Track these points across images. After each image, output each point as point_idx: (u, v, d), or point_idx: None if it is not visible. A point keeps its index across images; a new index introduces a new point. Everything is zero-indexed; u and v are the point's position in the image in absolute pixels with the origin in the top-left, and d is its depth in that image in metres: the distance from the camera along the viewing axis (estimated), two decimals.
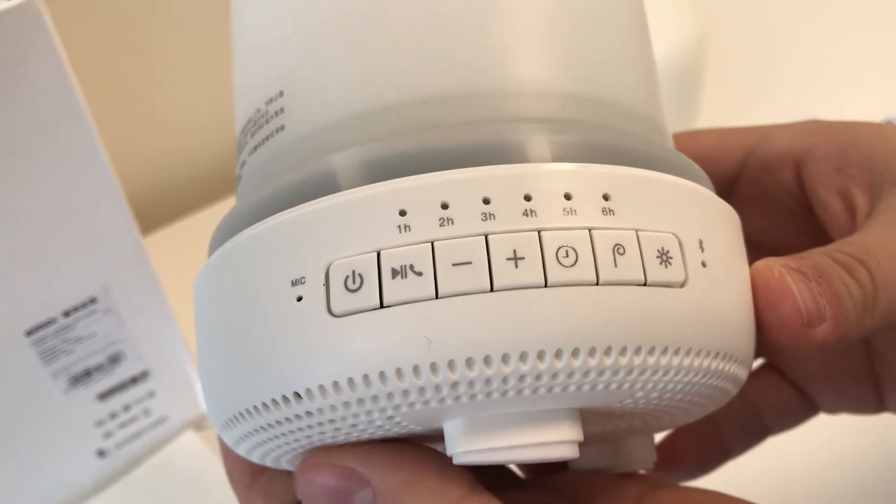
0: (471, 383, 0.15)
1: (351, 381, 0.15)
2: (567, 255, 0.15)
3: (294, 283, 0.15)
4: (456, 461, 0.16)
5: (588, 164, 0.15)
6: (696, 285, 0.15)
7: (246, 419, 0.17)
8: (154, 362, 0.38)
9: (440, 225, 0.15)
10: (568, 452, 0.16)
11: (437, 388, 0.15)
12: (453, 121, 0.16)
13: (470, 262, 0.14)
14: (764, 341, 0.18)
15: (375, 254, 0.15)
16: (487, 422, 0.16)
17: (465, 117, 0.16)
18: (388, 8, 0.17)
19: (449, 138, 0.16)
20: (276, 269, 0.16)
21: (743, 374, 0.18)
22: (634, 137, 0.17)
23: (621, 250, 0.15)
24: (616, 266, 0.15)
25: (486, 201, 0.15)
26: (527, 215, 0.15)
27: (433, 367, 0.14)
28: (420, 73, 0.17)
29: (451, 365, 0.14)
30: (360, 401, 0.15)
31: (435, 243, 0.15)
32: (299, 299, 0.15)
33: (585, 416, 0.17)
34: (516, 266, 0.14)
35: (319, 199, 0.16)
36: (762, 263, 0.18)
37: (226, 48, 0.53)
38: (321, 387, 0.15)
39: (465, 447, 0.16)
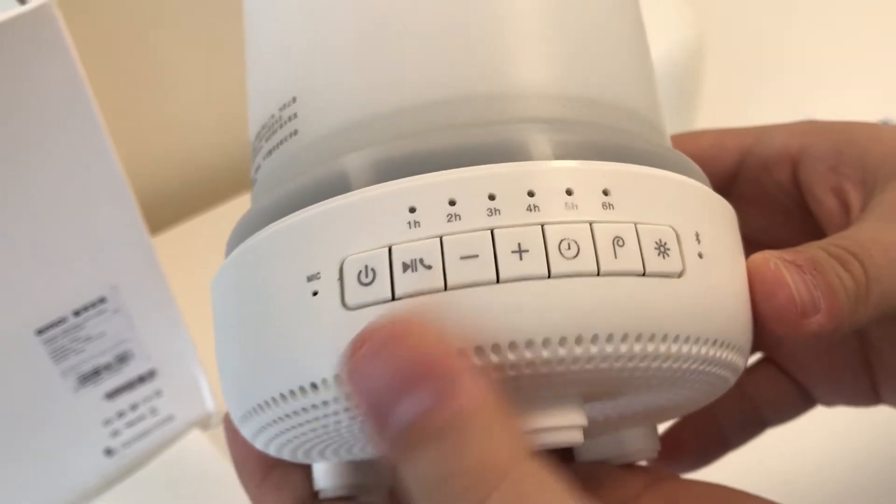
0: (480, 371, 0.15)
1: None
2: (569, 248, 0.15)
3: (310, 279, 0.16)
4: None
5: (588, 161, 0.16)
6: (694, 275, 0.16)
7: (264, 410, 0.17)
8: (161, 362, 0.39)
9: (448, 220, 0.15)
10: (573, 437, 0.16)
11: None
12: (459, 122, 0.17)
13: (477, 256, 0.15)
14: (760, 332, 0.19)
15: (387, 249, 0.16)
16: None
17: (470, 119, 0.17)
18: (396, 17, 0.18)
19: (455, 139, 0.16)
20: (292, 265, 0.16)
21: (740, 362, 0.18)
22: (633, 136, 0.18)
23: (621, 242, 0.16)
24: (616, 257, 0.15)
25: (492, 197, 0.16)
26: (530, 210, 0.15)
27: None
28: (427, 78, 0.17)
29: (460, 354, 0.15)
30: None
31: (443, 238, 0.15)
32: (315, 294, 0.16)
33: (589, 404, 0.18)
34: (521, 258, 0.15)
35: (332, 199, 0.16)
36: (758, 256, 0.19)
37: (233, 51, 0.54)
38: (337, 376, 0.16)
39: None
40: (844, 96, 0.54)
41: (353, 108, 0.18)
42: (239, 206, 0.53)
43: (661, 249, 0.16)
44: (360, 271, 0.16)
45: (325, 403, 0.16)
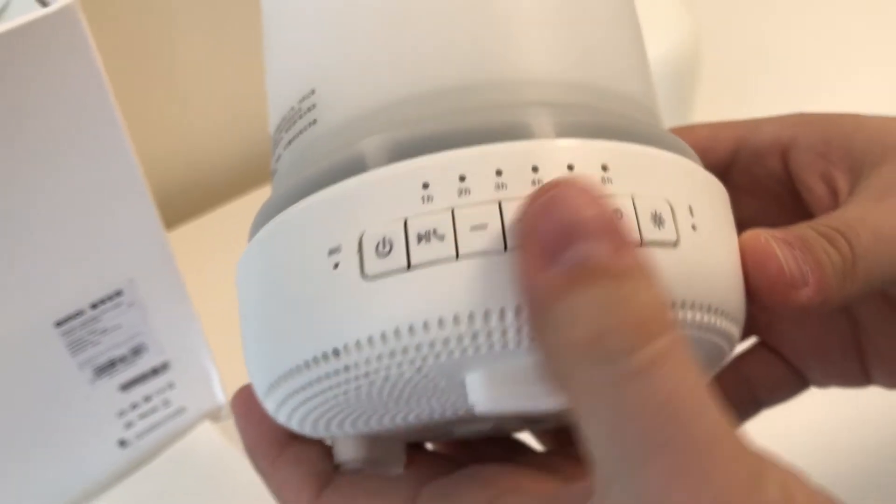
0: (489, 333, 0.16)
1: (383, 335, 0.17)
2: None
3: (331, 253, 0.17)
4: (477, 410, 0.18)
5: (588, 139, 0.17)
6: (688, 245, 0.17)
7: (289, 379, 0.18)
8: (174, 354, 0.40)
9: (459, 195, 0.17)
10: None
11: (460, 338, 0.17)
12: (467, 107, 0.18)
13: (486, 226, 0.16)
14: (753, 305, 0.20)
15: (403, 222, 0.17)
16: (503, 373, 0.17)
17: (477, 104, 0.18)
18: (407, 13, 0.19)
19: (464, 121, 0.18)
20: (313, 241, 0.18)
21: (734, 331, 0.19)
22: (630, 119, 0.19)
23: (619, 214, 0.17)
24: None
25: (499, 173, 0.17)
26: (535, 184, 0.17)
27: (456, 319, 0.16)
28: (437, 67, 0.19)
29: (471, 317, 0.16)
30: (392, 353, 0.17)
31: (455, 210, 0.17)
32: (335, 266, 0.17)
33: None
34: None
35: (350, 178, 0.18)
36: (749, 232, 0.20)
37: (245, 54, 0.56)
38: (357, 342, 0.17)
39: (484, 396, 0.17)
40: (839, 95, 0.55)
41: (369, 96, 0.19)
42: (250, 203, 0.54)
43: (657, 220, 0.17)
44: (378, 243, 0.17)
45: (346, 369, 0.17)
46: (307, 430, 0.21)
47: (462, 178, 0.17)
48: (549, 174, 0.17)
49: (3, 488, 0.38)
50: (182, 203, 0.55)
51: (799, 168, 0.26)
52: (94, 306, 0.36)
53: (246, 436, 0.23)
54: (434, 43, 0.19)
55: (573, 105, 0.18)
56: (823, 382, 0.29)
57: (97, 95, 0.31)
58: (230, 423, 0.44)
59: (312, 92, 0.20)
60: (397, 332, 0.17)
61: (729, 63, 0.58)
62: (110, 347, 0.37)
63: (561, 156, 0.17)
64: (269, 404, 0.20)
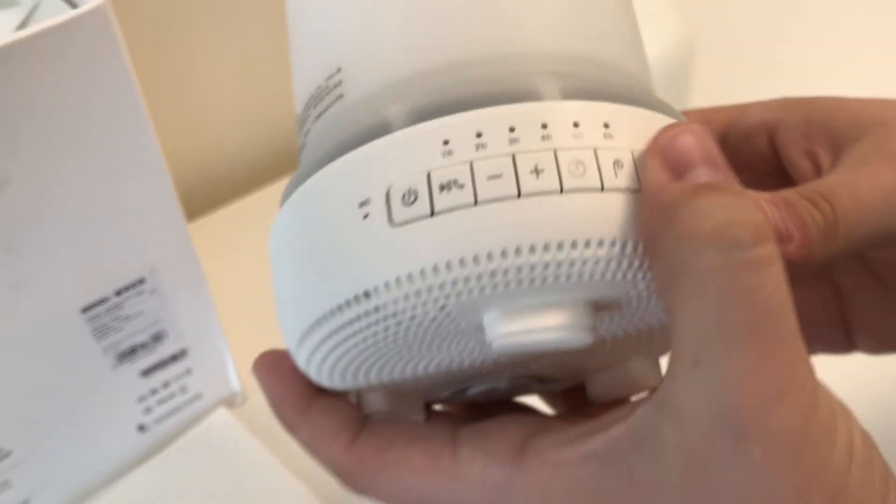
0: (505, 271, 0.18)
1: (410, 275, 0.19)
2: (577, 168, 0.18)
3: (361, 205, 0.19)
4: (494, 346, 0.20)
5: (590, 101, 0.19)
6: None
7: (322, 325, 0.20)
8: (192, 342, 0.41)
9: (476, 149, 0.19)
10: (582, 335, 0.20)
11: (479, 277, 0.19)
12: (482, 76, 0.20)
13: (501, 175, 0.18)
14: None
15: (426, 174, 0.19)
16: (518, 310, 0.19)
17: (491, 74, 0.20)
18: None
19: (479, 88, 0.20)
20: (345, 195, 0.20)
21: None
22: (625, 86, 0.21)
23: (620, 165, 0.19)
24: (616, 176, 0.19)
25: (512, 129, 0.19)
26: (544, 139, 0.19)
27: (475, 259, 0.18)
28: (452, 43, 0.21)
29: (489, 256, 0.18)
30: (417, 292, 0.19)
31: (473, 163, 0.19)
32: (365, 216, 0.19)
33: (600, 319, 0.21)
34: (538, 177, 0.18)
35: (377, 140, 0.20)
36: None
37: (262, 53, 0.58)
38: (386, 283, 0.19)
39: (500, 331, 0.19)
40: (830, 93, 0.58)
41: (391, 70, 0.21)
42: (266, 197, 0.57)
43: None
44: (404, 194, 0.19)
45: (376, 309, 0.19)
46: (336, 380, 0.22)
47: (479, 135, 0.19)
48: (556, 131, 0.19)
49: (27, 472, 0.39)
50: (202, 196, 0.57)
51: (785, 147, 0.28)
52: (118, 293, 0.37)
53: (272, 393, 0.24)
54: (450, 21, 0.21)
55: (576, 74, 0.20)
56: (809, 349, 0.31)
57: (126, 94, 0.33)
58: (245, 410, 0.46)
59: (338, 70, 0.22)
60: (423, 273, 0.19)
61: (722, 63, 0.61)
62: (132, 334, 0.39)
63: (567, 114, 0.19)
64: (301, 354, 0.22)
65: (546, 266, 0.18)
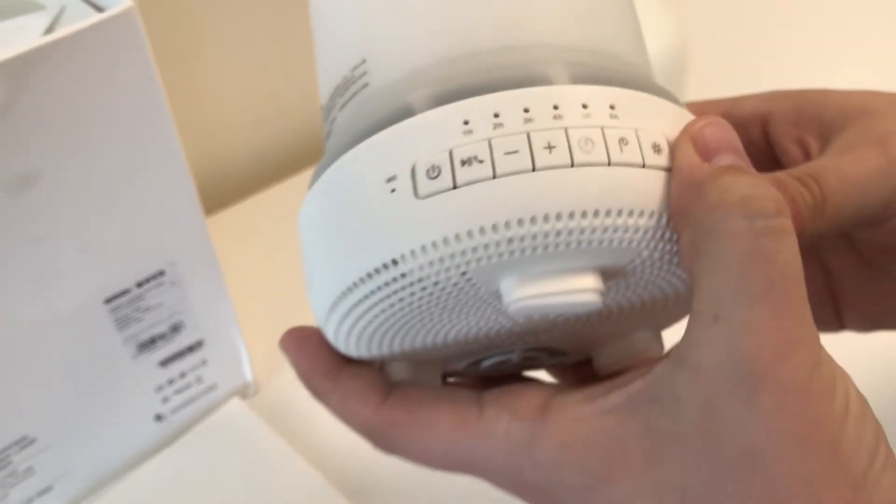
0: (521, 239, 0.20)
1: (434, 243, 0.20)
2: (586, 144, 0.20)
3: (388, 181, 0.21)
4: (511, 310, 0.22)
5: (597, 85, 0.21)
6: None
7: (353, 292, 0.22)
8: (208, 333, 0.43)
9: (494, 128, 0.21)
10: (593, 298, 0.21)
11: (497, 244, 0.20)
12: (497, 64, 0.22)
13: (517, 151, 0.20)
14: None
15: (448, 151, 0.21)
16: (533, 276, 0.21)
17: (506, 62, 0.22)
18: None
19: (497, 74, 0.22)
20: (373, 172, 0.21)
21: None
22: (628, 73, 0.23)
23: (625, 142, 0.21)
24: (622, 152, 0.21)
25: (526, 110, 0.21)
26: (556, 118, 0.21)
27: (494, 227, 0.20)
28: (469, 35, 0.23)
29: (506, 225, 0.20)
30: (441, 259, 0.21)
31: (491, 140, 0.20)
32: (393, 191, 0.21)
33: (607, 287, 0.23)
34: (550, 153, 0.20)
35: (402, 122, 0.21)
36: None
37: (280, 52, 0.59)
38: (412, 251, 0.21)
39: (517, 295, 0.21)
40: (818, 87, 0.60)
41: (413, 60, 0.23)
42: (278, 194, 0.59)
43: (656, 149, 0.21)
44: (428, 169, 0.21)
45: (403, 276, 0.21)
46: (362, 349, 0.24)
47: (496, 115, 0.21)
48: (567, 111, 0.21)
49: (51, 459, 0.41)
50: (219, 192, 0.59)
51: (776, 135, 0.30)
52: (139, 285, 0.39)
53: (301, 365, 0.25)
54: (467, 15, 0.23)
55: (583, 62, 0.22)
56: None
57: (151, 94, 0.35)
58: (257, 400, 0.47)
59: (363, 61, 0.24)
60: (446, 240, 0.20)
61: (714, 63, 0.63)
62: (152, 325, 0.41)
63: (577, 97, 0.21)
64: (331, 324, 0.24)
65: (558, 234, 0.20)
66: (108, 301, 0.39)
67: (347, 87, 0.24)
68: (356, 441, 0.47)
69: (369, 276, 0.21)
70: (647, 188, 0.21)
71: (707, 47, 0.62)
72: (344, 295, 0.22)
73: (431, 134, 0.21)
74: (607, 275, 0.22)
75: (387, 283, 0.21)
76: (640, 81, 0.22)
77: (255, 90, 0.61)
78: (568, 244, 0.21)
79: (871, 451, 0.21)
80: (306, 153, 0.62)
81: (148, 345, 0.41)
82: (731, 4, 0.73)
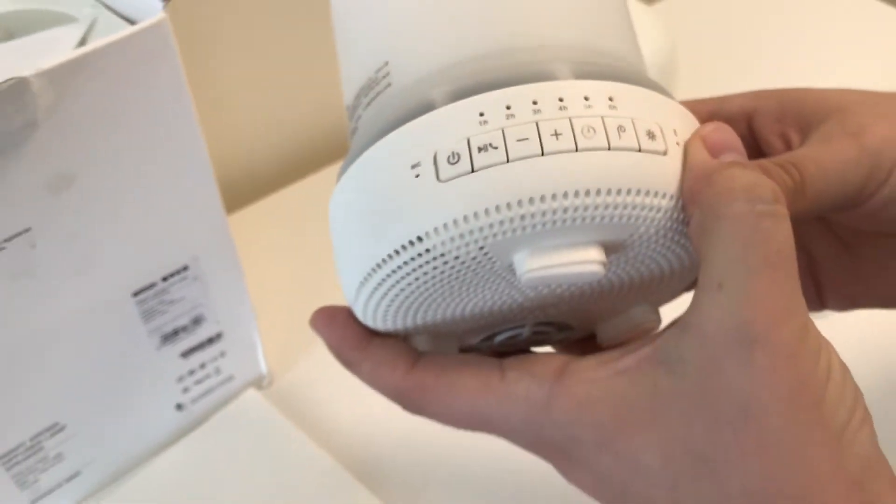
0: (532, 215, 0.23)
1: (455, 220, 0.23)
2: (589, 132, 0.23)
3: (413, 167, 0.24)
4: (523, 281, 0.24)
5: (597, 80, 0.24)
6: (673, 154, 0.24)
7: (381, 268, 0.24)
8: (227, 326, 0.46)
9: (506, 118, 0.23)
10: (596, 269, 0.24)
11: (511, 220, 0.23)
12: (507, 64, 0.25)
13: (528, 138, 0.23)
14: None
15: (466, 140, 0.23)
16: (543, 249, 0.24)
17: (515, 61, 0.25)
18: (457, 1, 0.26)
19: (508, 72, 0.24)
20: (399, 160, 0.24)
21: None
22: (625, 70, 0.26)
23: (623, 129, 0.23)
24: (620, 139, 0.23)
25: (535, 102, 0.23)
26: (561, 109, 0.23)
27: (508, 206, 0.23)
28: (482, 38, 0.26)
29: (519, 203, 0.23)
30: (461, 234, 0.23)
31: (504, 129, 0.23)
32: (417, 176, 0.24)
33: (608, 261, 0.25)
34: (557, 139, 0.23)
35: (424, 115, 0.24)
36: None
37: (296, 58, 0.62)
38: (435, 228, 0.23)
39: (528, 266, 0.24)
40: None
41: (432, 61, 0.26)
42: (295, 194, 0.62)
43: (651, 136, 0.24)
44: (449, 156, 0.23)
45: (427, 251, 0.24)
46: (388, 323, 0.27)
47: (508, 108, 0.23)
48: (571, 103, 0.23)
49: (79, 446, 0.43)
50: (239, 192, 0.62)
51: (761, 130, 0.33)
52: (164, 279, 0.42)
53: (332, 339, 0.28)
54: (480, 22, 0.26)
55: (584, 60, 0.25)
56: None
57: (180, 101, 0.37)
58: (272, 391, 0.49)
59: (386, 63, 0.26)
60: (465, 218, 0.23)
61: (700, 66, 0.67)
62: (175, 317, 0.43)
63: (579, 90, 0.24)
64: (360, 299, 0.26)
65: (565, 210, 0.23)
66: (136, 294, 0.41)
67: (372, 87, 0.27)
68: (365, 427, 0.49)
69: (397, 252, 0.24)
70: (643, 170, 0.23)
71: (694, 52, 0.66)
72: (374, 271, 0.25)
73: (451, 125, 0.24)
74: (609, 248, 0.25)
75: (413, 258, 0.24)
76: (635, 77, 0.25)
77: (272, 97, 0.64)
78: (574, 220, 0.23)
79: (850, 409, 0.24)
80: (321, 156, 0.66)
81: (171, 336, 0.43)
82: (716, 13, 0.77)
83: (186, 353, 0.45)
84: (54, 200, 0.36)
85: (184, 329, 0.44)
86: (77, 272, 0.38)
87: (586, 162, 0.23)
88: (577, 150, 0.23)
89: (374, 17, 0.27)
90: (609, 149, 0.23)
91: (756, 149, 0.33)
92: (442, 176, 0.23)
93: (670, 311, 0.29)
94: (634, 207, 0.24)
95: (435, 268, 0.24)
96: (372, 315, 0.27)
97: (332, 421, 0.48)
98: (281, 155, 0.66)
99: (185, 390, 0.46)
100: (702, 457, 0.23)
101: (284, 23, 0.61)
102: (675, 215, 0.25)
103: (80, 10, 0.38)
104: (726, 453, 0.23)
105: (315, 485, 0.45)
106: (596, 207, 0.23)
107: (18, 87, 0.31)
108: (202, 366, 0.46)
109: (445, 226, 0.23)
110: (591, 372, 0.25)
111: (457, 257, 0.24)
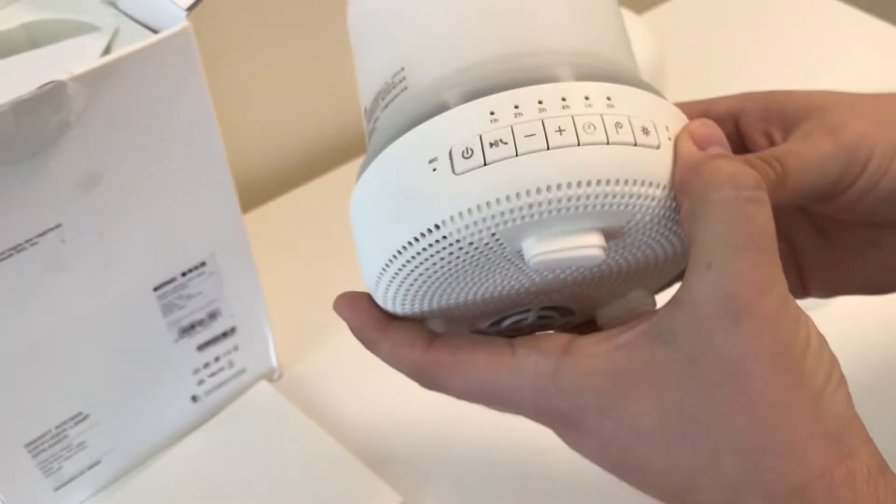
0: (539, 204, 0.25)
1: (469, 209, 0.25)
2: (589, 128, 0.25)
3: (430, 162, 0.26)
4: (531, 264, 0.26)
5: (596, 82, 0.26)
6: (665, 148, 0.27)
7: (401, 255, 0.27)
8: (240, 321, 0.48)
9: (515, 117, 0.26)
10: (597, 253, 0.26)
11: (520, 208, 0.25)
12: (514, 68, 0.27)
13: (534, 134, 0.25)
14: None
15: (479, 136, 0.26)
16: (549, 236, 0.26)
17: (521, 65, 0.27)
18: (468, 9, 0.28)
19: (515, 75, 0.27)
20: (417, 156, 0.26)
21: None
22: (621, 72, 0.28)
23: (620, 126, 0.26)
24: (618, 134, 0.26)
25: (540, 102, 0.26)
26: (564, 108, 0.26)
27: (517, 195, 0.25)
28: (491, 44, 0.28)
29: (527, 193, 0.25)
30: (475, 222, 0.25)
31: (513, 126, 0.25)
32: (434, 170, 0.26)
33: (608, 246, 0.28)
34: (561, 135, 0.25)
35: (439, 115, 0.26)
36: None
37: (316, 61, 0.64)
38: (451, 216, 0.26)
39: (536, 251, 0.26)
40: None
41: (445, 66, 0.28)
42: (306, 194, 0.64)
43: (645, 132, 0.26)
44: (463, 151, 0.26)
45: (444, 238, 0.26)
46: (407, 307, 0.29)
47: (516, 107, 0.26)
48: (573, 102, 0.26)
49: (100, 435, 0.45)
50: (254, 192, 0.64)
51: (747, 129, 0.35)
52: (183, 274, 0.44)
53: (355, 321, 0.30)
54: (489, 30, 0.28)
55: (584, 64, 0.28)
56: None
57: (201, 106, 0.40)
58: (283, 384, 0.52)
59: (402, 69, 0.29)
60: (479, 207, 0.25)
61: (689, 74, 0.69)
62: (193, 311, 0.45)
63: (580, 91, 0.26)
64: (381, 285, 0.28)
65: (569, 199, 0.25)
66: (157, 289, 0.43)
67: (389, 90, 0.29)
68: (372, 417, 0.52)
69: (416, 239, 0.26)
70: (639, 162, 0.26)
71: (681, 58, 0.69)
72: (394, 257, 0.27)
73: (464, 123, 0.26)
74: (608, 235, 0.27)
75: (430, 245, 0.26)
76: (630, 79, 0.28)
77: (286, 100, 0.66)
78: (576, 208, 0.26)
79: (827, 373, 0.26)
80: (331, 158, 0.68)
81: (188, 330, 0.46)
82: (701, 23, 0.80)
83: (202, 347, 0.47)
84: (83, 198, 0.38)
85: (200, 323, 0.46)
86: (103, 266, 0.40)
87: (587, 155, 0.25)
88: (579, 145, 0.25)
89: (390, 27, 0.30)
90: (608, 143, 0.26)
91: (742, 147, 0.35)
92: (457, 169, 0.26)
93: (663, 297, 0.31)
94: (631, 196, 0.26)
95: (451, 254, 0.26)
96: (392, 300, 0.29)
97: (339, 412, 0.50)
98: (293, 157, 0.68)
99: (200, 382, 0.48)
100: (694, 418, 0.26)
101: (300, 29, 0.63)
102: (668, 203, 0.27)
103: (103, 19, 0.40)
104: (716, 414, 0.25)
105: (324, 471, 0.47)
106: (596, 196, 0.26)
107: (57, 90, 0.34)
108: (217, 359, 0.48)
109: (461, 214, 0.26)
110: (594, 347, 0.27)
111: (471, 243, 0.26)
